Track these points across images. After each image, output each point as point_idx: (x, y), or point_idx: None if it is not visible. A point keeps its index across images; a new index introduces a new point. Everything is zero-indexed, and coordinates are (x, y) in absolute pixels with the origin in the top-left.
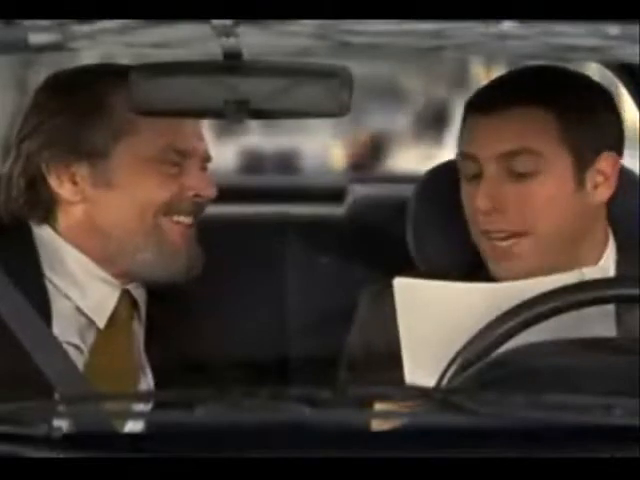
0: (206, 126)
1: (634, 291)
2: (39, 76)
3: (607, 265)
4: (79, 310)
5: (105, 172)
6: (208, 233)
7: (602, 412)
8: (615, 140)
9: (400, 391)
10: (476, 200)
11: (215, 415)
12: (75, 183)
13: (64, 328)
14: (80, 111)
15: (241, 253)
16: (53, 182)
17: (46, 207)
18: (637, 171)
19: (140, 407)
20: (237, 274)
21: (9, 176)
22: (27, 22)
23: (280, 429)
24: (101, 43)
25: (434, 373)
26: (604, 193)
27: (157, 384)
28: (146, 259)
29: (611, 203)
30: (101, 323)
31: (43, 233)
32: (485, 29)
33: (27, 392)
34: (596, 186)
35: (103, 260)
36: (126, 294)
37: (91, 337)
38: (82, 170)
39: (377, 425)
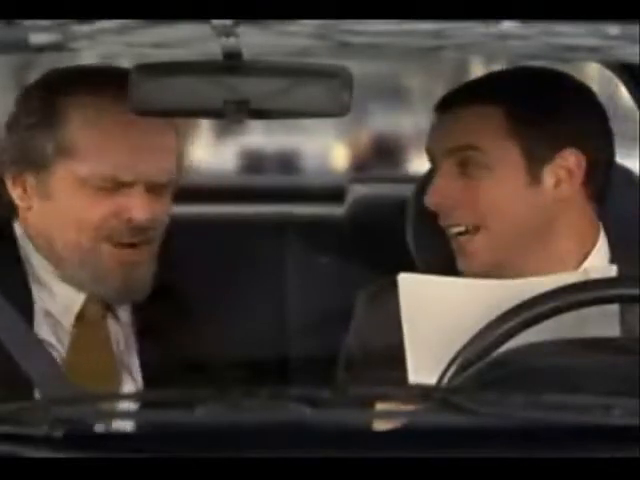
0: (206, 126)
1: (634, 291)
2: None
3: (599, 264)
4: (48, 311)
5: (46, 184)
6: (209, 233)
7: (602, 412)
8: (584, 136)
9: (400, 391)
10: (429, 195)
11: (215, 415)
12: (25, 190)
13: (40, 327)
14: (33, 121)
15: (241, 253)
16: (8, 184)
17: (8, 207)
18: (637, 171)
19: (140, 407)
20: (237, 274)
21: None
22: (27, 22)
23: (280, 429)
24: (101, 43)
25: (438, 370)
26: (568, 189)
27: (157, 384)
28: (82, 276)
29: (608, 202)
30: (67, 324)
31: (19, 233)
32: (485, 29)
33: (11, 392)
34: (558, 182)
35: (58, 266)
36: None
37: (65, 337)
38: (31, 179)
39: (377, 425)
